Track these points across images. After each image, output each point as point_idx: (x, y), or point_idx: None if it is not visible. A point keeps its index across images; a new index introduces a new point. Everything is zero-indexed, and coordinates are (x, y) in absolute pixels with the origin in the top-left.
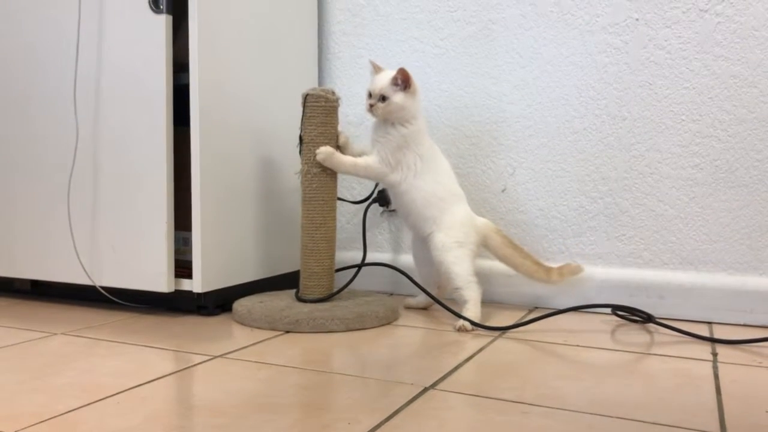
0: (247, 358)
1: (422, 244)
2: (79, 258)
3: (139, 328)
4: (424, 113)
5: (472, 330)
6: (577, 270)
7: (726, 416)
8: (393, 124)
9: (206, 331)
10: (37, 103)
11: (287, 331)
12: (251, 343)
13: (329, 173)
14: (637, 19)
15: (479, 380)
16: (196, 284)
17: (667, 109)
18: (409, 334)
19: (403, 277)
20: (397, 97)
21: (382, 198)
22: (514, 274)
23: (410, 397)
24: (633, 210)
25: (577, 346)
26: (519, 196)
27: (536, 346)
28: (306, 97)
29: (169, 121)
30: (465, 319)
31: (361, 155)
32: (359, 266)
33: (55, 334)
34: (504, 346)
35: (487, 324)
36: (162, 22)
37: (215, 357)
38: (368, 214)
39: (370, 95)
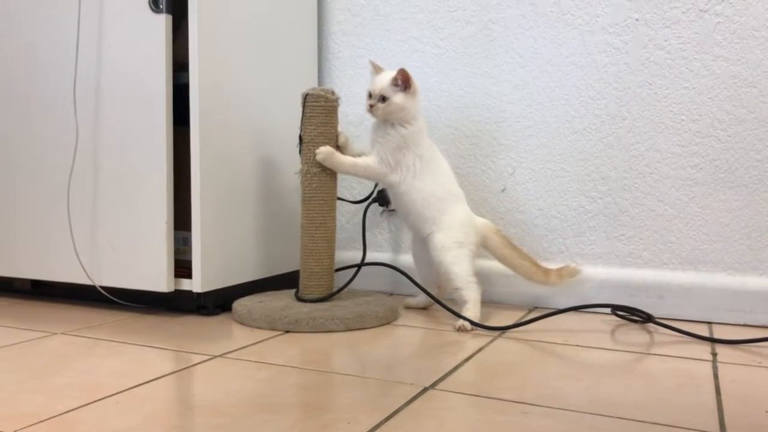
0: (247, 358)
1: (422, 244)
2: (79, 258)
3: (139, 328)
4: (424, 113)
5: (472, 330)
6: (575, 272)
7: (726, 416)
8: (393, 124)
9: (206, 330)
10: (37, 103)
11: (287, 331)
12: (251, 342)
13: (329, 173)
14: (636, 19)
15: (479, 380)
16: (195, 284)
17: (666, 109)
18: (409, 334)
19: (403, 276)
20: (398, 98)
21: (381, 198)
22: (514, 274)
23: (410, 397)
24: (633, 210)
25: (577, 346)
26: (519, 195)
27: (536, 346)
28: (306, 97)
29: (169, 121)
30: (465, 318)
31: (361, 155)
32: (359, 266)
33: (55, 333)
34: (504, 346)
35: (487, 324)
36: (162, 22)
37: (215, 357)
38: (368, 213)
39: (370, 95)
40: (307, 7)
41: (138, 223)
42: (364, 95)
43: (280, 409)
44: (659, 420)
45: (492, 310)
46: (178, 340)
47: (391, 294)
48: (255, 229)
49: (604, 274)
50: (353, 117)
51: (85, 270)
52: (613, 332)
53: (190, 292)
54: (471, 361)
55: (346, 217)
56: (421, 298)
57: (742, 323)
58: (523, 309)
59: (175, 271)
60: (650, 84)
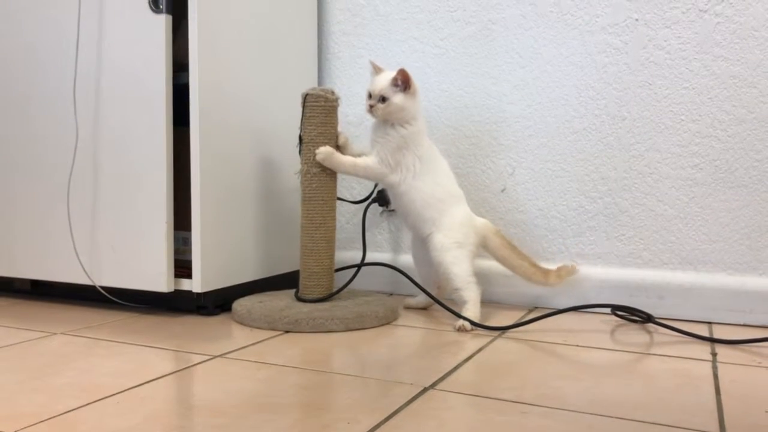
0: (247, 358)
1: (422, 244)
2: (78, 258)
3: (139, 328)
4: (424, 113)
5: (472, 330)
6: (573, 270)
7: (725, 416)
8: (392, 125)
9: (206, 331)
10: (37, 103)
11: (287, 331)
12: (251, 343)
13: (329, 173)
14: (636, 20)
15: (479, 380)
16: (195, 284)
17: (666, 109)
18: (409, 334)
19: (403, 277)
20: (397, 98)
21: (381, 198)
22: (513, 274)
23: (410, 397)
24: (632, 210)
25: (577, 346)
26: (518, 196)
27: (536, 346)
28: (306, 97)
29: (169, 121)
30: (464, 319)
31: (361, 155)
32: (359, 266)
33: (55, 333)
34: (503, 346)
35: (487, 324)
36: (162, 22)
37: (215, 357)
38: (368, 213)
39: (370, 96)
40: (307, 7)
41: (138, 223)
42: (364, 95)
43: (279, 409)
44: (659, 420)
45: (492, 310)
46: (178, 340)
47: (391, 294)
48: (255, 229)
49: (604, 274)
50: (353, 117)
51: (85, 270)
52: (612, 332)
53: (190, 292)
54: (471, 361)
55: (346, 217)
56: (421, 298)
57: (741, 323)
58: (522, 309)
59: (175, 271)
60: (650, 84)
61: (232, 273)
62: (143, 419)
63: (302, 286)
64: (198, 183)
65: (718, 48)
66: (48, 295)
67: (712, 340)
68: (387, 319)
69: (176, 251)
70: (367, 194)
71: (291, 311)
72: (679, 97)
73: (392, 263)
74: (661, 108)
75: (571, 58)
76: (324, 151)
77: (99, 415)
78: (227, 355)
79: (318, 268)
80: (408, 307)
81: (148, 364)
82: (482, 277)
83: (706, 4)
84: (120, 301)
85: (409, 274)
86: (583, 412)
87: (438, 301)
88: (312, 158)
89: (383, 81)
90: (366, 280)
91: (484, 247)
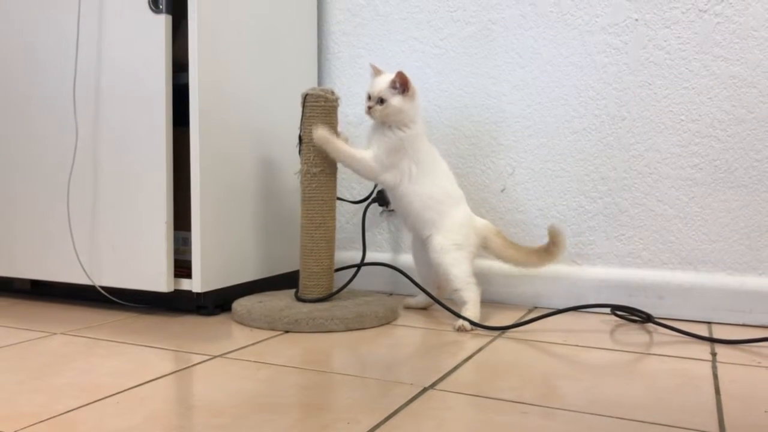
0: (247, 358)
1: (422, 244)
2: (78, 258)
3: (139, 328)
4: (424, 113)
5: (472, 330)
6: (557, 232)
7: (725, 416)
8: (390, 127)
9: (206, 331)
10: (37, 103)
11: (287, 331)
12: (251, 343)
13: (329, 173)
14: (636, 20)
15: (478, 380)
16: (195, 284)
17: (666, 109)
18: (409, 334)
19: (403, 276)
20: (395, 100)
21: (381, 198)
22: (513, 275)
23: (409, 397)
24: (632, 210)
25: (577, 346)
26: (518, 196)
27: (535, 346)
28: (305, 97)
29: (169, 121)
30: (464, 318)
31: None
32: (359, 266)
33: (55, 334)
34: (503, 346)
35: (487, 324)
36: (162, 22)
37: (215, 357)
38: (368, 213)
39: (369, 98)
40: (307, 8)
41: (138, 223)
42: (364, 96)
43: (279, 409)
44: (659, 420)
45: (492, 310)
46: (178, 340)
47: (391, 294)
48: (255, 229)
49: (604, 274)
50: (353, 117)
51: (84, 270)
52: (612, 332)
53: (189, 292)
54: (470, 361)
55: (346, 217)
56: (421, 298)
57: (741, 323)
58: (522, 309)
59: (175, 271)
60: (650, 84)
61: (232, 273)
62: (143, 419)
63: (302, 286)
64: (198, 183)
65: (718, 48)
66: (48, 295)
67: (712, 340)
68: (387, 319)
69: (176, 251)
70: (367, 194)
71: (291, 311)
72: (678, 97)
73: (392, 263)
74: (661, 108)
75: (571, 58)
76: (321, 134)
77: (99, 415)
78: (227, 355)
79: (318, 268)
80: (408, 307)
81: (148, 364)
82: (482, 277)
83: (705, 4)
84: (120, 301)
85: (409, 274)
86: (583, 412)
87: (438, 301)
88: (312, 158)
89: (382, 83)
90: (366, 280)
91: (485, 248)
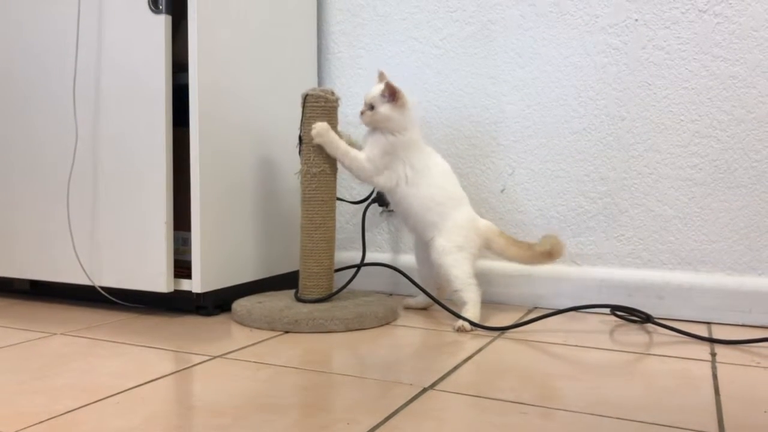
0: (247, 359)
1: (424, 245)
2: (78, 258)
3: (139, 329)
4: (423, 114)
5: (472, 330)
6: (556, 242)
7: (724, 416)
8: (382, 131)
9: (205, 331)
10: (37, 103)
11: (286, 332)
12: (250, 343)
13: (329, 173)
14: (636, 20)
15: (478, 381)
16: (195, 284)
17: (666, 109)
18: (409, 334)
19: (403, 277)
20: (383, 108)
21: (381, 198)
22: (513, 275)
23: (409, 398)
24: (632, 210)
25: (576, 346)
26: (518, 196)
27: (535, 346)
28: (306, 98)
29: (169, 121)
30: (464, 319)
31: None
32: (358, 266)
33: (55, 334)
34: (503, 346)
35: (486, 324)
36: (161, 23)
37: (215, 357)
38: (367, 214)
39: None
40: (307, 7)
41: (138, 223)
42: (364, 98)
43: (279, 410)
44: (658, 420)
45: (491, 311)
46: (178, 340)
47: (391, 294)
48: (255, 230)
49: (603, 274)
50: (353, 117)
51: (84, 270)
52: (612, 332)
53: (189, 292)
54: (470, 361)
55: (346, 217)
56: (421, 299)
57: (741, 323)
58: (522, 309)
59: (175, 271)
60: (649, 84)
61: (232, 273)
62: (143, 420)
63: (302, 287)
64: (198, 183)
65: (718, 48)
66: (47, 295)
67: (712, 341)
68: (387, 320)
69: (176, 251)
70: (367, 194)
71: (291, 311)
72: (678, 98)
73: (392, 263)
74: (661, 108)
75: (571, 58)
76: (320, 127)
77: (99, 416)
78: (227, 356)
79: (318, 268)
80: (407, 308)
81: (148, 365)
82: (482, 278)
83: (705, 5)
84: (120, 302)
85: (409, 274)
86: (583, 413)
87: (437, 301)
88: (312, 159)
89: (375, 90)
90: (366, 280)
91: (488, 249)
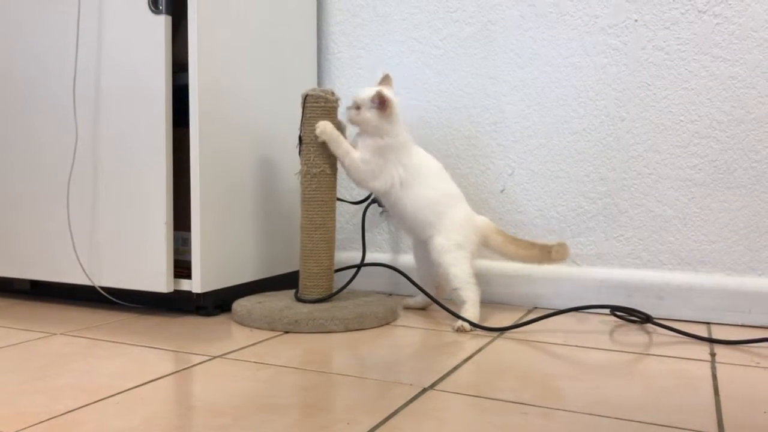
0: (247, 359)
1: (423, 245)
2: (78, 258)
3: (139, 329)
4: (423, 114)
5: (471, 330)
6: (563, 246)
7: (724, 417)
8: (370, 134)
9: (205, 331)
10: (37, 103)
11: (286, 332)
12: (250, 343)
13: (329, 174)
14: (635, 20)
15: (478, 381)
16: (195, 284)
17: (665, 109)
18: (408, 334)
19: (402, 277)
20: (369, 114)
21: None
22: (513, 275)
23: (409, 398)
24: (631, 210)
25: (576, 346)
26: (518, 196)
27: (535, 346)
28: (306, 98)
29: (169, 121)
30: (464, 319)
31: None
32: (358, 266)
33: (55, 334)
34: (503, 346)
35: (486, 324)
36: (161, 23)
37: (215, 357)
38: (367, 214)
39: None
40: (307, 8)
41: (138, 223)
42: (353, 95)
43: (279, 410)
44: (658, 420)
45: (491, 311)
46: (178, 340)
47: (391, 294)
48: (255, 230)
49: (603, 274)
50: None
51: (84, 270)
52: (611, 333)
53: (189, 292)
54: (470, 361)
55: (346, 217)
56: (420, 299)
57: (740, 324)
58: (522, 309)
59: (175, 271)
60: (649, 85)
61: (232, 273)
62: (143, 420)
63: (302, 287)
64: (198, 183)
65: (717, 49)
66: (47, 295)
67: (711, 341)
68: (386, 320)
69: (176, 251)
70: (367, 195)
71: (291, 312)
72: (678, 98)
73: (392, 264)
74: (660, 109)
75: (571, 58)
76: (324, 125)
77: (99, 416)
78: (227, 356)
79: (318, 268)
80: (407, 308)
81: (147, 365)
82: (482, 278)
83: (705, 5)
84: (120, 302)
85: (409, 274)
86: (583, 413)
87: (437, 301)
88: (312, 159)
89: (366, 93)
90: (366, 280)
91: (485, 246)
